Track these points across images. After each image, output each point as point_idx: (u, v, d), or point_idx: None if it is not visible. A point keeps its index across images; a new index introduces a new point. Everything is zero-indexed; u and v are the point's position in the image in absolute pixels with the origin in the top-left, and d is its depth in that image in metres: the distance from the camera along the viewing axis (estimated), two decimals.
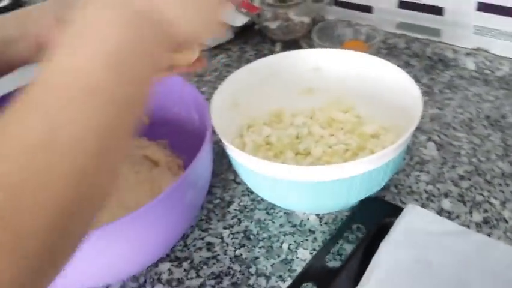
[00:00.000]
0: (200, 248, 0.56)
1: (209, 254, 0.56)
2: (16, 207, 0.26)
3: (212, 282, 0.53)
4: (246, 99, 0.64)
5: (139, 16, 0.34)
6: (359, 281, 0.46)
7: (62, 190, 0.28)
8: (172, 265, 0.55)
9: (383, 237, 0.49)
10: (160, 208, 0.46)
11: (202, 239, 0.57)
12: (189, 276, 0.54)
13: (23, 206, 0.26)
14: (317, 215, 0.59)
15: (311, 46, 0.89)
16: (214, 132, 0.54)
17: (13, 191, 0.26)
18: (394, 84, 0.60)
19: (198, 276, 0.53)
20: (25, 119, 0.28)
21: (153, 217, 0.46)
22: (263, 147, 0.61)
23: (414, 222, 0.50)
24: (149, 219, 0.45)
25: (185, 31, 0.38)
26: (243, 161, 0.52)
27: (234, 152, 0.52)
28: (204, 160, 0.50)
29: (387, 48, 0.88)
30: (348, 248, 0.54)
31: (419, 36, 0.86)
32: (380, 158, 0.49)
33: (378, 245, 0.48)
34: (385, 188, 0.60)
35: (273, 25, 0.87)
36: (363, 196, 0.54)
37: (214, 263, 0.55)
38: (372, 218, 0.52)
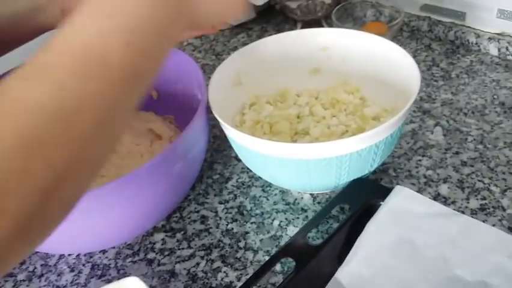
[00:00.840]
0: (194, 221, 0.58)
1: (202, 227, 0.57)
2: (6, 165, 0.26)
3: (202, 253, 0.54)
4: (250, 78, 0.64)
5: None
6: (340, 260, 0.47)
7: (59, 153, 0.28)
8: (166, 235, 0.57)
9: (369, 218, 0.49)
10: (149, 175, 0.47)
11: (198, 212, 0.59)
12: (181, 247, 0.55)
13: (17, 165, 0.26)
14: (311, 194, 0.59)
15: (332, 27, 0.89)
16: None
17: (6, 148, 0.26)
18: (397, 65, 0.59)
19: (189, 247, 0.55)
20: (32, 80, 0.29)
21: (143, 184, 0.48)
22: (261, 124, 0.61)
23: (401, 203, 0.49)
24: (139, 186, 0.47)
25: (207, 12, 0.40)
26: (237, 138, 0.53)
27: (228, 129, 0.53)
28: (194, 133, 0.52)
29: (410, 31, 0.86)
30: (335, 227, 0.54)
31: (443, 19, 0.84)
32: (369, 138, 0.49)
33: (363, 225, 0.49)
34: (383, 170, 0.60)
35: (293, 5, 0.87)
36: (354, 176, 0.54)
37: (205, 236, 0.56)
38: (360, 198, 0.52)
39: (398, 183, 0.58)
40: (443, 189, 0.57)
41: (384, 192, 0.53)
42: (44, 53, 0.31)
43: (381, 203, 0.50)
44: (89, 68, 0.30)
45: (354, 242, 0.48)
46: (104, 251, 0.56)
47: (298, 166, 0.51)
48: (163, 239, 0.56)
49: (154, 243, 0.56)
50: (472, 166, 0.60)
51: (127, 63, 0.32)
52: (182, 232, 0.57)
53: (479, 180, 0.58)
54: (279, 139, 0.60)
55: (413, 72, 0.55)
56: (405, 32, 0.86)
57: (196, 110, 0.62)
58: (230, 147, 0.67)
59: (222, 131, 0.69)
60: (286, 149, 0.50)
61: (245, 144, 0.52)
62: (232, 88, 0.62)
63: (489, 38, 0.78)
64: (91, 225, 0.48)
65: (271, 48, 0.65)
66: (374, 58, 0.63)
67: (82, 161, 0.30)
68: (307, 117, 0.62)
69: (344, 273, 0.45)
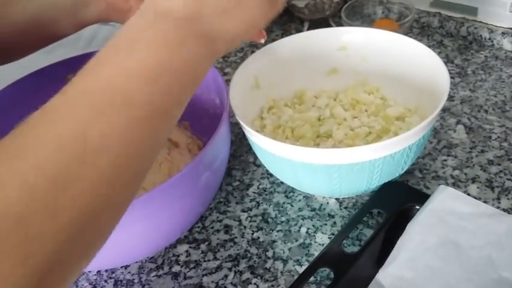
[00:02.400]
0: (218, 231, 0.56)
1: (226, 237, 0.55)
2: (32, 208, 0.25)
3: (229, 264, 0.52)
4: (268, 80, 0.62)
5: (185, 30, 0.34)
6: (379, 267, 0.45)
7: (83, 196, 0.27)
8: (189, 247, 0.55)
9: (404, 223, 0.47)
10: (176, 188, 0.45)
11: (220, 221, 0.57)
12: (206, 258, 0.53)
13: (41, 206, 0.25)
14: (337, 199, 0.57)
15: (340, 25, 0.87)
16: (233, 112, 0.53)
17: (31, 191, 0.25)
18: (421, 64, 0.58)
19: (215, 258, 0.53)
20: (55, 121, 0.28)
21: (169, 197, 0.46)
22: (282, 129, 0.59)
23: (444, 203, 0.48)
24: (163, 200, 0.45)
25: (229, 40, 0.38)
26: (262, 144, 0.51)
27: (251, 134, 0.51)
28: (220, 141, 0.50)
29: (420, 28, 0.85)
30: (368, 233, 0.52)
31: (454, 14, 0.82)
32: (402, 141, 0.47)
33: (399, 230, 0.47)
34: (409, 172, 0.58)
35: (301, 3, 0.85)
36: (385, 180, 0.52)
37: (231, 246, 0.54)
38: (393, 203, 0.50)
39: (425, 185, 0.57)
40: (473, 189, 0.56)
41: (417, 195, 0.51)
42: (69, 90, 0.30)
43: (417, 207, 0.49)
44: (115, 107, 0.29)
45: (391, 247, 0.46)
46: (126, 266, 0.54)
47: (329, 171, 0.49)
48: (187, 251, 0.54)
49: (178, 256, 0.54)
50: (499, 165, 0.58)
51: (153, 100, 0.31)
52: (206, 243, 0.55)
53: (508, 179, 0.56)
54: (301, 143, 0.58)
55: (439, 69, 0.54)
56: (415, 29, 0.85)
57: (213, 115, 0.60)
58: (247, 152, 0.65)
59: (237, 135, 0.67)
60: (317, 155, 0.48)
61: (272, 151, 0.50)
62: (251, 92, 0.60)
63: (502, 32, 0.77)
64: (114, 241, 0.46)
65: (287, 50, 0.63)
66: (394, 56, 0.61)
67: (108, 203, 0.29)
68: (329, 120, 0.61)
69: (386, 274, 0.43)
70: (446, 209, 0.47)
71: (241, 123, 0.51)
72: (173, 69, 0.33)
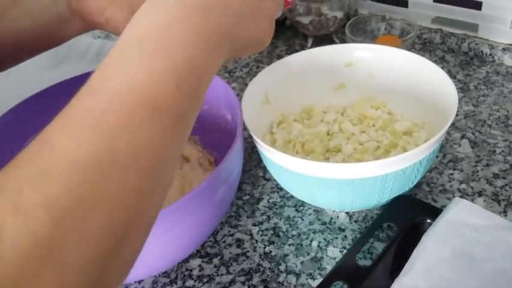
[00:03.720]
0: (230, 245, 0.57)
1: (239, 251, 0.56)
2: (62, 234, 0.23)
3: (242, 278, 0.53)
4: (277, 95, 0.63)
5: (211, 28, 0.33)
6: (391, 279, 0.46)
7: (117, 214, 0.25)
8: (202, 261, 0.55)
9: (415, 236, 0.48)
10: (192, 204, 0.46)
11: (232, 235, 0.58)
12: (219, 273, 0.54)
13: (73, 233, 0.24)
14: (347, 212, 0.58)
15: (344, 41, 0.89)
16: (244, 128, 0.54)
17: (60, 214, 0.23)
18: (428, 80, 0.59)
19: (228, 272, 0.54)
20: (78, 134, 0.26)
21: (184, 213, 0.46)
22: (293, 143, 0.60)
23: (459, 215, 0.48)
24: (180, 216, 0.46)
25: (238, 48, 0.38)
26: (274, 158, 0.52)
27: (264, 149, 0.52)
28: (235, 156, 0.50)
29: (422, 43, 0.86)
30: (379, 246, 0.53)
31: (455, 31, 0.84)
32: (413, 156, 0.48)
33: (410, 243, 0.48)
34: (417, 186, 0.59)
35: (305, 20, 0.86)
36: (395, 194, 0.53)
37: (244, 260, 0.55)
38: (404, 216, 0.51)
39: (433, 198, 0.58)
40: (480, 203, 0.57)
41: (427, 209, 0.52)
42: (87, 98, 0.28)
43: (428, 220, 0.50)
44: (142, 115, 0.27)
45: (404, 260, 0.47)
46: (140, 281, 0.54)
47: (342, 186, 0.50)
48: (199, 265, 0.55)
49: (191, 270, 0.55)
50: (504, 178, 0.60)
51: (178, 107, 0.29)
52: (219, 257, 0.55)
53: None
54: (312, 157, 0.59)
55: (446, 86, 0.55)
56: (417, 45, 0.86)
57: (224, 130, 0.61)
58: (256, 166, 0.66)
59: (246, 150, 0.68)
60: (330, 169, 0.49)
61: (284, 165, 0.51)
62: (261, 107, 0.61)
63: (503, 48, 0.79)
64: None
65: (296, 66, 0.64)
66: (401, 72, 0.62)
67: (138, 218, 0.28)
68: (338, 134, 0.62)
69: (401, 284, 0.44)
70: (461, 221, 0.48)
71: (255, 138, 0.52)
72: (196, 71, 0.31)
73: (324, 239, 0.56)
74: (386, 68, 0.64)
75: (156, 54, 0.29)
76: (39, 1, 0.50)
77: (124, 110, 0.27)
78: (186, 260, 0.55)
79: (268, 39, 0.42)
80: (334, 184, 0.50)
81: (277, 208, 0.60)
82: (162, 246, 0.48)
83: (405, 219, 0.51)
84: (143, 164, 0.27)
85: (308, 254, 0.54)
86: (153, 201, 0.29)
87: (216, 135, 0.63)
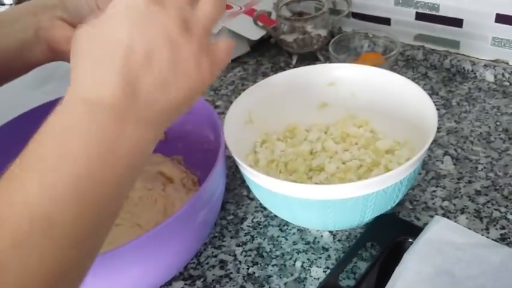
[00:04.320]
0: (213, 266, 0.56)
1: (222, 272, 0.56)
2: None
3: None
4: (260, 115, 0.64)
5: (122, 118, 0.31)
6: None
7: None
8: (185, 284, 0.55)
9: (397, 255, 0.48)
10: (174, 227, 0.46)
11: (215, 256, 0.57)
12: None
13: None
14: (331, 231, 0.58)
15: (328, 59, 0.90)
16: (227, 147, 0.54)
17: None
18: (409, 99, 0.60)
19: None
20: None
21: (167, 236, 0.46)
22: (276, 163, 0.60)
23: (440, 234, 0.49)
24: (162, 239, 0.46)
25: (172, 112, 0.35)
26: (256, 179, 0.52)
27: (246, 171, 0.52)
28: (217, 177, 0.51)
29: (405, 60, 0.87)
30: (362, 266, 0.53)
31: (437, 48, 0.85)
32: (394, 176, 0.49)
33: (393, 263, 0.48)
34: (400, 203, 0.59)
35: (289, 38, 0.87)
36: (377, 213, 0.53)
37: (227, 282, 0.55)
38: (387, 235, 0.51)
39: (416, 216, 0.58)
40: (462, 220, 0.57)
41: (409, 228, 0.53)
42: None
43: (410, 239, 0.50)
44: (34, 232, 0.27)
45: (386, 279, 0.47)
46: None
47: (323, 206, 0.50)
48: None
49: None
50: (486, 195, 0.60)
51: (76, 218, 0.29)
52: (202, 279, 0.55)
53: (495, 209, 0.58)
54: (295, 177, 0.59)
55: (426, 104, 0.56)
56: (400, 61, 0.87)
57: (207, 150, 0.61)
58: (240, 185, 0.66)
59: (230, 168, 0.68)
60: (311, 190, 0.49)
61: (267, 186, 0.51)
62: (244, 126, 0.62)
63: (484, 65, 0.80)
64: (110, 282, 0.46)
65: (279, 85, 0.65)
66: (382, 91, 0.63)
67: None
68: (321, 153, 0.62)
69: None
70: (442, 239, 0.48)
71: (237, 160, 0.52)
72: (109, 174, 0.30)
73: (308, 259, 0.56)
74: (368, 87, 0.64)
75: (51, 168, 0.29)
76: (7, 27, 0.49)
77: (14, 229, 0.27)
78: (169, 283, 0.55)
79: (206, 78, 0.36)
80: (316, 205, 0.50)
81: (261, 228, 0.60)
82: (143, 271, 0.47)
83: (387, 239, 0.51)
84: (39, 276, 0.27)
85: (292, 275, 0.54)
86: None
87: (199, 154, 0.63)
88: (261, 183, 0.52)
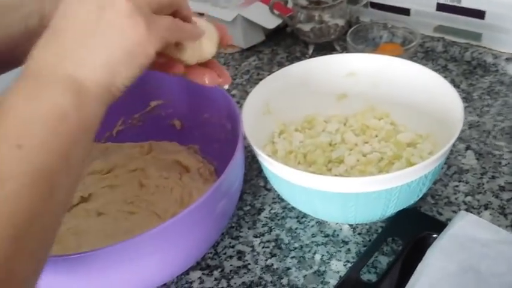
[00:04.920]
0: (231, 257, 0.55)
1: (240, 263, 0.55)
2: None
3: None
4: (278, 105, 0.62)
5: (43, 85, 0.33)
6: None
7: None
8: (202, 273, 0.54)
9: (421, 251, 0.47)
10: (193, 217, 0.45)
11: (233, 247, 0.56)
12: (220, 286, 0.53)
13: None
14: (350, 225, 0.57)
15: (345, 49, 0.88)
16: (245, 137, 0.53)
17: None
18: (432, 91, 0.58)
19: (228, 285, 0.53)
20: None
21: (186, 226, 0.45)
22: (295, 154, 0.59)
23: (465, 229, 0.47)
24: (182, 229, 0.45)
25: (103, 71, 0.35)
26: (275, 170, 0.51)
27: (266, 161, 0.51)
28: (236, 169, 0.49)
29: (424, 52, 0.86)
30: (383, 260, 0.52)
31: (458, 40, 0.83)
32: (419, 170, 0.47)
33: (416, 258, 0.47)
34: (422, 198, 0.58)
35: (306, 27, 0.85)
36: (400, 208, 0.52)
37: (245, 273, 0.54)
38: (409, 230, 0.50)
39: (438, 211, 0.57)
40: (486, 216, 0.56)
41: (433, 223, 0.51)
42: None
43: (434, 235, 0.49)
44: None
45: (409, 275, 0.45)
46: None
47: (345, 199, 0.49)
48: (200, 278, 0.54)
49: (191, 283, 0.53)
50: (510, 191, 0.59)
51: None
52: (219, 269, 0.54)
53: None
54: (314, 169, 0.58)
55: (451, 97, 0.55)
56: (419, 53, 0.86)
57: (225, 140, 0.60)
58: (257, 176, 0.65)
59: (246, 159, 0.67)
60: (333, 183, 0.48)
61: (286, 177, 0.50)
62: (262, 117, 0.60)
63: (507, 58, 0.78)
64: (128, 271, 0.45)
65: (298, 75, 0.63)
66: (405, 83, 0.61)
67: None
68: (340, 145, 0.61)
69: None
70: (467, 235, 0.47)
71: (256, 150, 0.51)
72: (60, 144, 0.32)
73: (327, 252, 0.54)
74: (389, 78, 0.63)
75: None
76: (11, 12, 0.48)
77: None
78: (186, 272, 0.54)
79: (143, 39, 0.36)
80: (337, 198, 0.49)
81: (278, 219, 0.59)
82: (161, 260, 0.46)
83: (410, 234, 0.50)
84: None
85: (311, 268, 0.53)
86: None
87: (216, 144, 0.62)
88: (280, 173, 0.51)
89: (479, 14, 0.79)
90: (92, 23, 0.34)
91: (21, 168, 0.30)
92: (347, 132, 0.62)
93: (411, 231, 0.50)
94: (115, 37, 0.35)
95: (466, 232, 0.47)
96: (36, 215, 0.30)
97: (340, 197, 0.49)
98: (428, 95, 0.59)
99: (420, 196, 0.53)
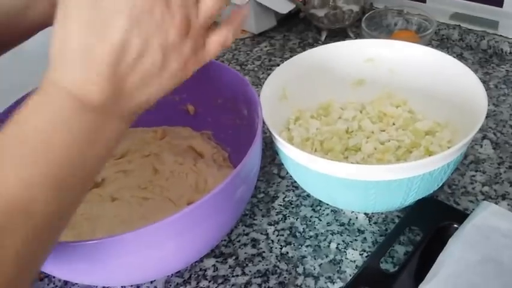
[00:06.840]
0: (245, 244, 0.55)
1: (254, 251, 0.54)
2: None
3: (258, 280, 0.51)
4: (294, 91, 0.61)
5: (106, 117, 0.33)
6: (415, 286, 0.44)
7: None
8: (216, 261, 0.53)
9: (441, 241, 0.46)
10: (212, 204, 0.44)
11: (247, 234, 0.56)
12: (234, 274, 0.52)
13: None
14: (366, 214, 0.56)
15: (358, 35, 0.87)
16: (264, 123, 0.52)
17: None
18: (452, 79, 0.57)
19: (243, 273, 0.52)
20: None
21: (204, 213, 0.44)
22: (311, 141, 0.58)
23: (487, 220, 0.47)
24: (200, 216, 0.44)
25: (148, 105, 0.36)
26: (293, 156, 0.50)
27: (284, 146, 0.50)
28: (255, 154, 0.48)
29: (439, 40, 0.84)
30: (400, 250, 0.51)
31: (474, 27, 0.82)
32: (442, 159, 0.47)
33: (436, 248, 0.46)
34: (439, 187, 0.57)
35: (320, 13, 0.84)
36: (419, 197, 0.51)
37: (259, 261, 0.53)
38: (429, 220, 0.49)
39: (455, 201, 0.56)
40: (503, 206, 0.55)
41: (453, 213, 0.51)
42: None
43: (455, 225, 0.48)
44: (12, 222, 0.29)
45: (429, 265, 0.45)
46: (152, 281, 0.52)
47: (365, 187, 0.48)
48: (214, 265, 0.53)
49: (205, 270, 0.53)
50: None
51: (51, 207, 0.31)
52: (233, 257, 0.54)
53: None
54: (330, 156, 0.57)
55: (473, 85, 0.54)
56: (434, 41, 0.84)
57: (239, 125, 0.59)
58: (271, 163, 0.64)
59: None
60: (354, 170, 0.47)
61: (305, 163, 0.49)
62: (279, 103, 0.59)
63: None
64: (145, 258, 0.44)
65: (314, 60, 0.62)
66: (424, 70, 0.60)
67: None
68: (357, 133, 0.60)
69: None
70: (489, 225, 0.46)
71: (275, 136, 0.50)
72: (87, 163, 0.32)
73: (343, 241, 0.54)
74: (407, 64, 0.62)
75: (29, 162, 0.30)
76: None
77: None
78: (200, 260, 0.53)
79: (189, 75, 0.38)
80: (357, 185, 0.48)
81: (293, 207, 0.58)
82: (177, 247, 0.46)
83: (430, 223, 0.49)
84: (11, 265, 0.28)
85: (327, 256, 0.52)
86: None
87: (229, 130, 0.61)
88: (298, 159, 0.50)
89: (497, 2, 0.77)
90: (158, 69, 0.35)
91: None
92: (364, 120, 0.61)
93: (431, 220, 0.49)
94: (167, 79, 0.36)
95: (488, 223, 0.46)
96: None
97: (360, 185, 0.48)
98: (448, 82, 0.58)
99: (439, 185, 0.52)
